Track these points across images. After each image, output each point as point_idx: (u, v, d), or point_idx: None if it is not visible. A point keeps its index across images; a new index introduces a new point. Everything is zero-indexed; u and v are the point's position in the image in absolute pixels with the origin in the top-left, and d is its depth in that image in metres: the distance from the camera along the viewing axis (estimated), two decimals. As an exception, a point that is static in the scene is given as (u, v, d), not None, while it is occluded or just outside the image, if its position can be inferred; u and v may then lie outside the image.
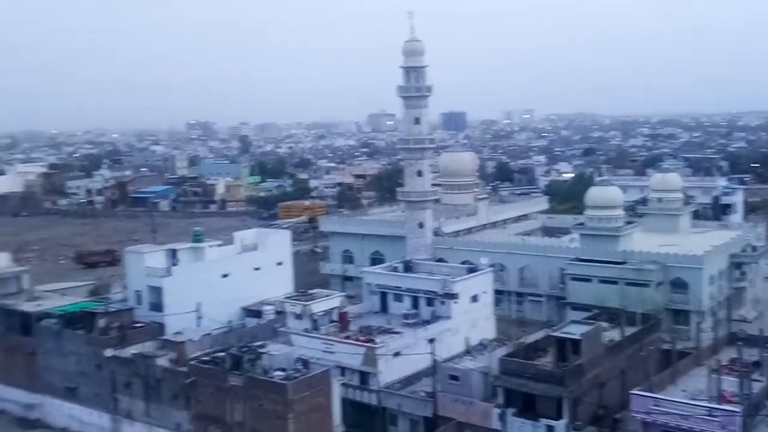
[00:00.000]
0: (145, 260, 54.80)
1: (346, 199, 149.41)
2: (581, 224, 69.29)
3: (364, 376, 46.02)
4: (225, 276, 56.92)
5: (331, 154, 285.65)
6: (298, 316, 50.19)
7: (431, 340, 46.44)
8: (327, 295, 53.63)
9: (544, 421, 38.58)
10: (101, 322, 49.74)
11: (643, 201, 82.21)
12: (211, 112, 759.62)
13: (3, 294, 56.34)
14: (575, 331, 41.00)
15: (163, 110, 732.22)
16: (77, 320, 51.22)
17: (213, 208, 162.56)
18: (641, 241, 65.56)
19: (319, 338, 47.75)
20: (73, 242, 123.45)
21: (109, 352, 47.93)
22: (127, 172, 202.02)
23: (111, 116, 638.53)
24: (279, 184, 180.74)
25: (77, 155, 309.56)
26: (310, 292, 53.96)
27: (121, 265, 70.26)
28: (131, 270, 55.95)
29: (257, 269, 59.51)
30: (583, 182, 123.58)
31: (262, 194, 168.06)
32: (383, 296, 54.91)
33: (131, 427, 46.98)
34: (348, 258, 79.54)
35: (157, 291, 53.50)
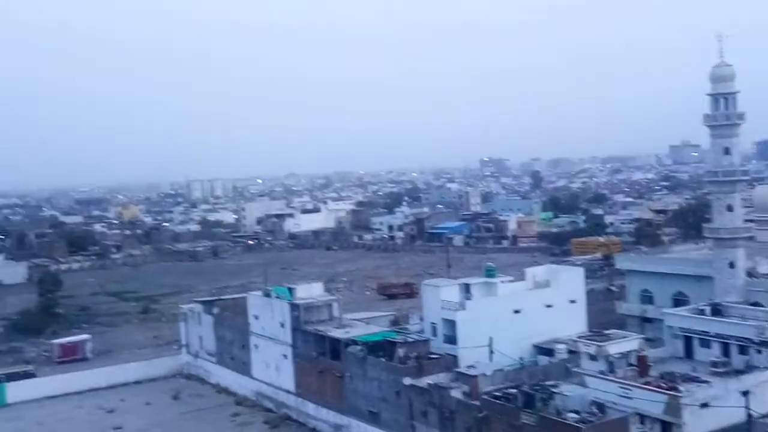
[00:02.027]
0: (441, 294, 56.66)
1: (645, 235, 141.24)
2: None
3: (665, 427, 42.59)
4: (517, 312, 56.71)
5: (628, 189, 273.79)
6: (593, 357, 48.23)
7: (745, 393, 41.67)
8: (624, 337, 50.90)
9: None
10: (400, 352, 52.38)
11: None
12: (504, 149, 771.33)
13: (317, 320, 61.97)
14: None
15: (458, 149, 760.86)
16: (379, 348, 54.53)
17: (505, 243, 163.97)
18: None
19: (616, 382, 45.28)
20: (376, 274, 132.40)
21: (407, 381, 50.17)
22: (425, 209, 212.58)
23: (411, 156, 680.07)
24: (572, 219, 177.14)
25: (381, 193, 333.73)
26: (605, 332, 51.68)
27: (419, 298, 73.70)
28: (427, 302, 58.20)
29: (549, 306, 58.41)
30: None
31: (554, 230, 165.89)
32: (687, 341, 50.71)
33: (427, 455, 48.43)
34: (647, 298, 74.83)
35: (451, 324, 54.96)
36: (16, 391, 71.76)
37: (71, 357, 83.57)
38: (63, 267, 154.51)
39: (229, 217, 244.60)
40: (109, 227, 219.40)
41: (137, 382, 75.91)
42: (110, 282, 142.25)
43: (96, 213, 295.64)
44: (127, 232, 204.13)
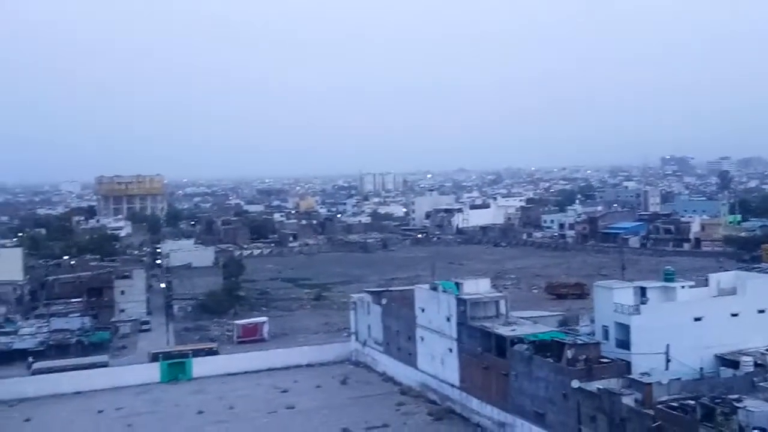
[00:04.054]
0: (614, 296, 54.38)
1: None
2: None
3: None
4: (697, 319, 53.18)
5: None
6: (785, 373, 44.25)
7: None
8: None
9: None
10: (569, 353, 50.84)
11: None
12: (689, 146, 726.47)
13: (483, 316, 61.61)
14: None
15: (638, 146, 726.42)
16: (547, 348, 53.26)
17: (686, 246, 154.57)
18: None
19: (811, 402, 41.28)
20: (545, 273, 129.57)
21: (575, 384, 48.63)
22: (599, 208, 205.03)
23: (586, 153, 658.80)
24: (763, 224, 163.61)
25: (552, 190, 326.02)
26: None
27: (590, 299, 71.19)
28: (599, 304, 56.06)
29: (735, 315, 54.24)
30: None
31: (742, 234, 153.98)
32: None
33: (593, 462, 46.73)
34: None
35: (624, 328, 52.58)
36: (201, 366, 77.44)
37: (250, 337, 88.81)
38: (245, 253, 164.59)
39: (399, 211, 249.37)
40: (287, 217, 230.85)
41: (309, 365, 79.39)
42: (287, 269, 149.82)
43: (276, 203, 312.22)
44: (303, 222, 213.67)
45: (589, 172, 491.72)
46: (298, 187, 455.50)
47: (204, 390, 72.51)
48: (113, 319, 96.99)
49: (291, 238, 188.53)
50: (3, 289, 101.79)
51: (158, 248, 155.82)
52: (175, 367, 76.63)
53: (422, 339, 68.26)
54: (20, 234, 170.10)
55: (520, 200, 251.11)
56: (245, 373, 77.14)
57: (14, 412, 67.82)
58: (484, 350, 59.15)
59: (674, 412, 40.51)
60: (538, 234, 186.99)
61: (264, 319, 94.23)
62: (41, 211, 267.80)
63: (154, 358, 77.71)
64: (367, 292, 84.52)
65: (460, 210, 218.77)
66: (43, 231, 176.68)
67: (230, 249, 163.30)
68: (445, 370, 64.18)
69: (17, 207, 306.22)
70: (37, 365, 76.29)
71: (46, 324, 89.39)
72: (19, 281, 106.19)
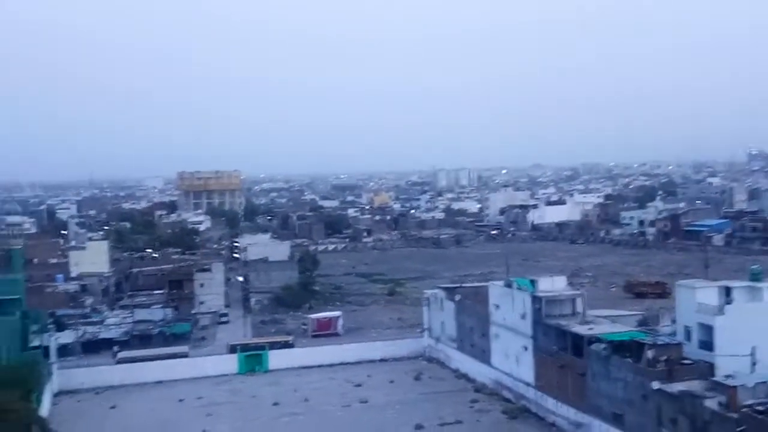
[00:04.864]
0: (697, 295, 52.61)
1: None
2: None
3: None
4: (788, 321, 50.95)
5: None
6: None
7: None
8: None
9: None
10: (649, 354, 49.47)
11: None
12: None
13: (559, 314, 60.57)
14: None
15: (722, 141, 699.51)
16: (625, 348, 51.92)
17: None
18: None
19: None
20: (624, 271, 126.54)
21: (655, 385, 47.28)
22: (681, 205, 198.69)
23: (668, 148, 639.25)
24: None
25: (631, 187, 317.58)
26: None
27: (671, 299, 69.07)
28: (681, 304, 54.31)
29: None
30: None
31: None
32: None
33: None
34: None
35: (707, 329, 50.79)
36: (276, 358, 78.88)
37: (325, 331, 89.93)
38: (320, 248, 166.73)
39: (473, 207, 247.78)
40: (361, 212, 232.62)
41: (382, 360, 79.81)
42: (360, 264, 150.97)
43: (350, 198, 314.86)
44: (377, 217, 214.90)
45: (671, 167, 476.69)
46: (372, 183, 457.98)
47: (280, 382, 73.80)
48: (193, 311, 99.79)
49: (365, 234, 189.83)
50: (90, 280, 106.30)
51: (236, 242, 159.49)
52: (252, 358, 78.32)
53: (496, 336, 67.67)
54: (106, 227, 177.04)
55: (598, 196, 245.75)
56: (319, 366, 78.16)
57: (101, 399, 70.64)
58: (560, 349, 58.22)
59: (761, 417, 38.90)
60: (616, 231, 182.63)
61: (338, 313, 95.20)
62: (126, 206, 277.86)
63: (232, 349, 79.60)
64: (441, 288, 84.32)
65: (535, 206, 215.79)
66: (128, 225, 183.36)
67: (305, 244, 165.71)
68: (520, 369, 63.45)
69: (104, 201, 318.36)
70: (121, 354, 79.25)
71: (130, 315, 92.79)
72: (105, 273, 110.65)
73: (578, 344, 55.85)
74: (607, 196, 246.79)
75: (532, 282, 64.15)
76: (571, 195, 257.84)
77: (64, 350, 78.74)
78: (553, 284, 64.42)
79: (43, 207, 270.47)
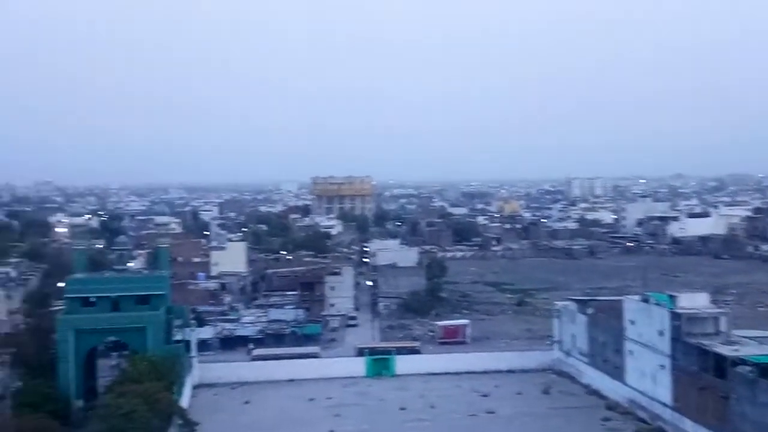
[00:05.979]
0: None
1: None
2: None
3: None
4: None
5: None
6: None
7: None
8: None
9: None
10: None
11: None
12: None
13: (700, 333, 57.32)
14: None
15: None
16: (775, 372, 48.46)
17: None
18: None
19: None
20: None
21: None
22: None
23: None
24: None
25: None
26: None
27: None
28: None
29: None
30: None
31: None
32: None
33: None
34: None
35: None
36: (403, 363, 79.33)
37: (452, 339, 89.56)
38: (448, 255, 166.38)
39: (608, 217, 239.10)
40: (490, 220, 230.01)
41: (509, 371, 78.50)
42: (489, 272, 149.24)
43: (479, 206, 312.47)
44: (507, 225, 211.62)
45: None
46: (502, 191, 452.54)
47: (406, 387, 74.14)
48: (323, 313, 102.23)
49: (494, 242, 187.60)
50: (229, 279, 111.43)
51: (366, 247, 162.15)
52: (379, 362, 79.19)
53: (631, 353, 64.98)
54: (245, 229, 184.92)
55: (746, 209, 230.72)
56: (446, 373, 77.86)
57: (236, 393, 73.70)
58: (701, 369, 55.17)
59: None
60: (766, 247, 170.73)
61: (466, 321, 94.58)
62: (263, 209, 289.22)
63: (360, 352, 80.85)
64: (573, 300, 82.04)
65: (676, 218, 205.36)
66: (264, 227, 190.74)
67: (433, 250, 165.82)
68: (656, 388, 60.59)
69: (243, 204, 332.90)
70: (256, 352, 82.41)
71: (264, 314, 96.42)
72: (242, 273, 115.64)
73: (721, 365, 52.76)
74: (757, 209, 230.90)
75: (671, 297, 61.10)
76: (716, 207, 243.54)
77: (203, 345, 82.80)
78: (694, 301, 61.09)
79: (188, 208, 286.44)
